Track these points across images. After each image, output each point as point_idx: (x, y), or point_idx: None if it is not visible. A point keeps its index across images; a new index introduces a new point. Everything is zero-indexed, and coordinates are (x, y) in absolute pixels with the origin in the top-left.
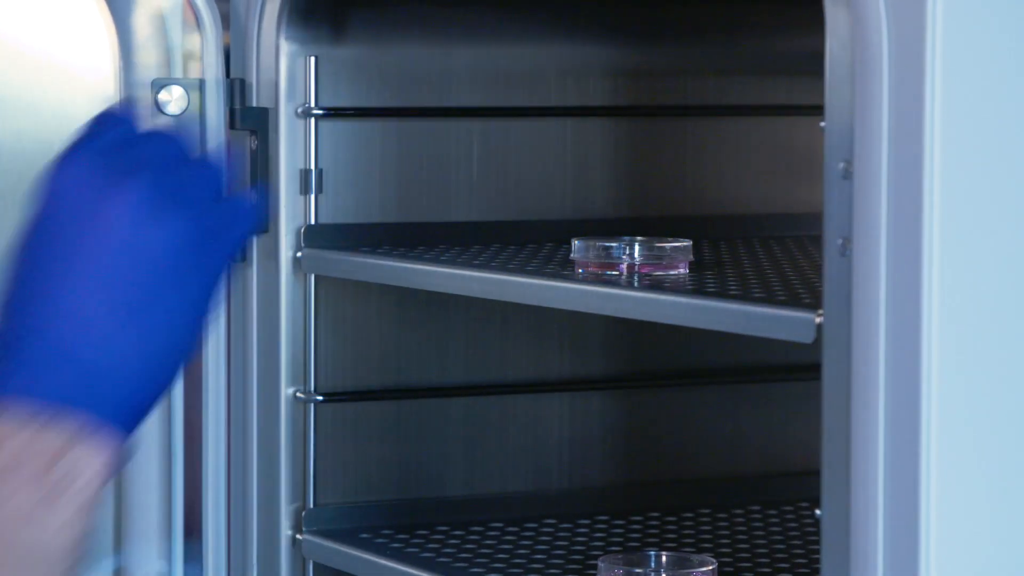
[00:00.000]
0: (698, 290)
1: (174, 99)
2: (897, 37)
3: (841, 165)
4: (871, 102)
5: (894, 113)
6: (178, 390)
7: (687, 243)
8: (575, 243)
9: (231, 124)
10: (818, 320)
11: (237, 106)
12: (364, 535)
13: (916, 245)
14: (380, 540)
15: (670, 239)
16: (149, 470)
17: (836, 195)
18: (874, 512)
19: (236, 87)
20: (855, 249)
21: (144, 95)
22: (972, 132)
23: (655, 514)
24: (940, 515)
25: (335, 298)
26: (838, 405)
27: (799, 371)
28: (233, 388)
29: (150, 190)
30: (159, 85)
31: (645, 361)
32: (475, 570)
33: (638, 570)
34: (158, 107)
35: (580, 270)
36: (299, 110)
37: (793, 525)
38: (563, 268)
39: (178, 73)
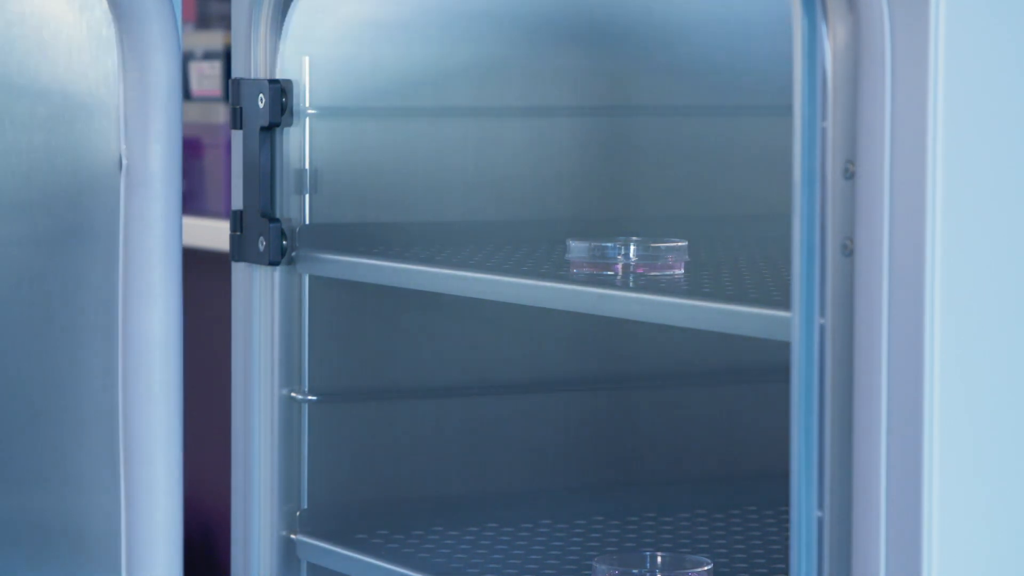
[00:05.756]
0: (693, 291)
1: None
2: (900, 37)
3: (843, 165)
4: (874, 102)
5: (897, 113)
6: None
7: (683, 243)
8: (570, 243)
9: (233, 124)
10: (819, 321)
11: (238, 106)
12: (359, 535)
13: (919, 245)
14: (375, 541)
15: (666, 239)
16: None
17: (838, 195)
18: (876, 513)
19: (234, 87)
20: (858, 250)
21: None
22: (975, 131)
23: (651, 514)
24: (942, 516)
25: (329, 298)
26: (840, 406)
27: None
28: (228, 389)
29: None
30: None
31: (642, 361)
32: (471, 571)
33: (634, 571)
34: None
35: (575, 270)
36: (294, 110)
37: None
38: (559, 268)
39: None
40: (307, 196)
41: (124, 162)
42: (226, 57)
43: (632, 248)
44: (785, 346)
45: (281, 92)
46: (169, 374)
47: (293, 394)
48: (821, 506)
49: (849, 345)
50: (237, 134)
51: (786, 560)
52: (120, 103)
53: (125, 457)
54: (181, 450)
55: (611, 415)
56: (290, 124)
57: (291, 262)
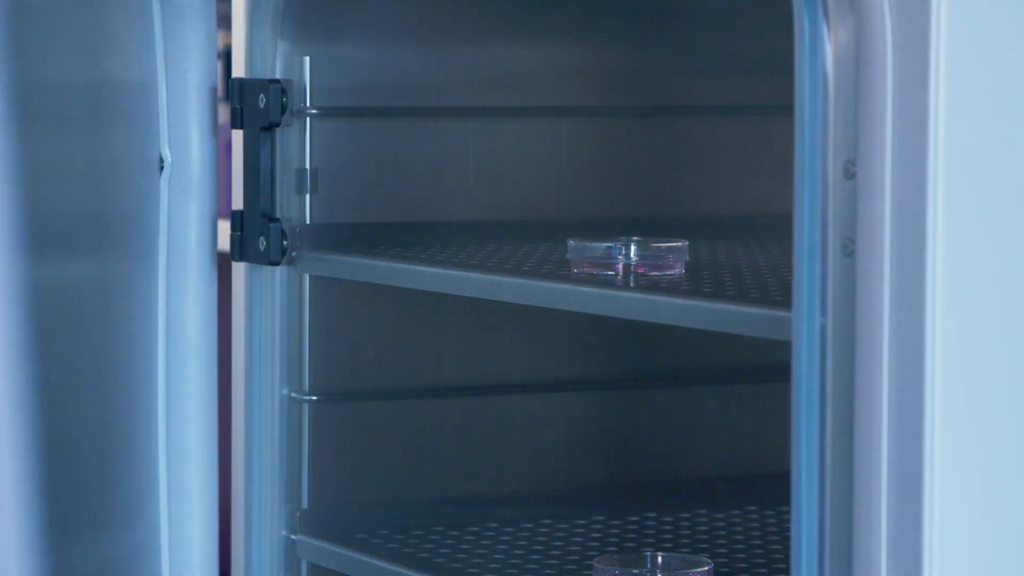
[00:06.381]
0: (694, 291)
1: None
2: (900, 37)
3: (844, 165)
4: (875, 102)
5: (898, 112)
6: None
7: (683, 243)
8: (571, 243)
9: (233, 124)
10: (820, 321)
11: (238, 106)
12: (359, 535)
13: (920, 245)
14: (376, 541)
15: (666, 239)
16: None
17: (839, 195)
18: (876, 513)
19: (235, 87)
20: (859, 250)
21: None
22: (975, 131)
23: (651, 514)
24: (943, 516)
25: (330, 298)
26: (840, 406)
27: None
28: (228, 389)
29: None
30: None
31: (642, 361)
32: (471, 571)
33: (634, 570)
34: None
35: (576, 270)
36: (294, 110)
37: (790, 526)
38: (559, 268)
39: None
40: (307, 196)
41: (166, 162)
42: (226, 57)
43: (632, 248)
44: (786, 346)
45: (281, 92)
46: (206, 375)
47: (294, 394)
48: (821, 506)
49: (850, 345)
50: (237, 134)
51: (786, 560)
52: (162, 103)
53: (166, 465)
54: (216, 454)
55: (611, 415)
56: (290, 124)
57: (291, 262)
